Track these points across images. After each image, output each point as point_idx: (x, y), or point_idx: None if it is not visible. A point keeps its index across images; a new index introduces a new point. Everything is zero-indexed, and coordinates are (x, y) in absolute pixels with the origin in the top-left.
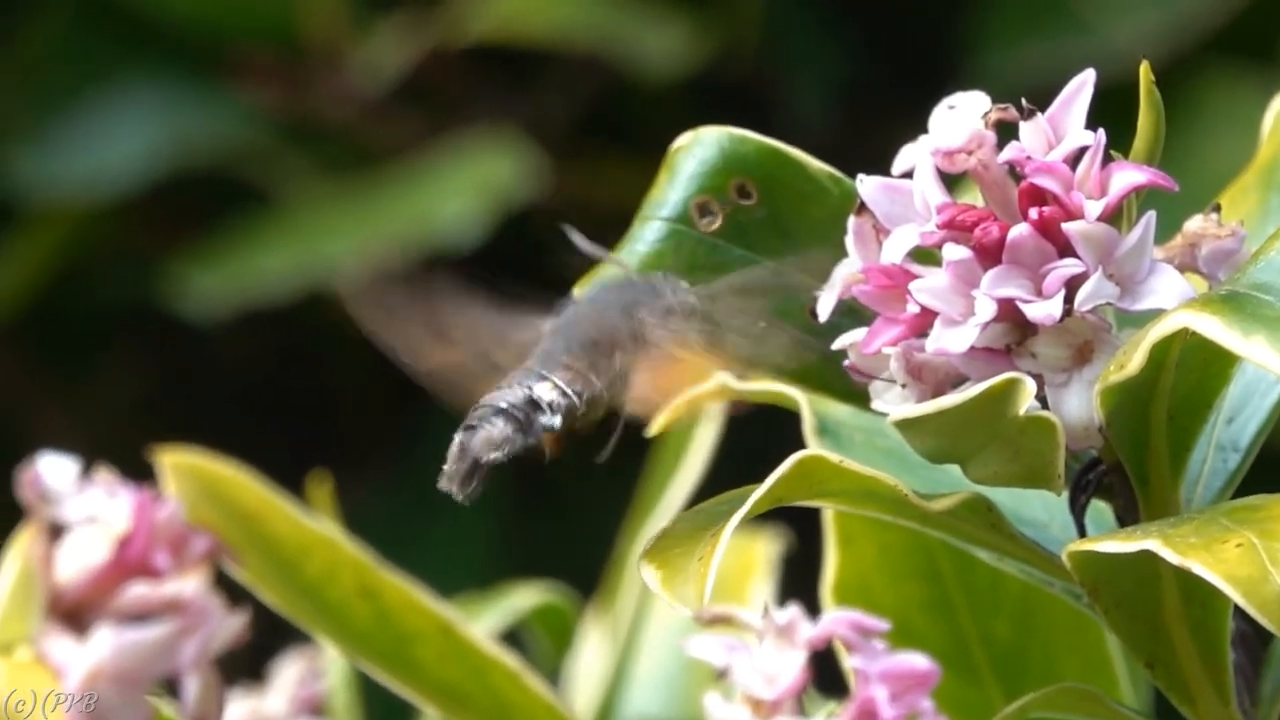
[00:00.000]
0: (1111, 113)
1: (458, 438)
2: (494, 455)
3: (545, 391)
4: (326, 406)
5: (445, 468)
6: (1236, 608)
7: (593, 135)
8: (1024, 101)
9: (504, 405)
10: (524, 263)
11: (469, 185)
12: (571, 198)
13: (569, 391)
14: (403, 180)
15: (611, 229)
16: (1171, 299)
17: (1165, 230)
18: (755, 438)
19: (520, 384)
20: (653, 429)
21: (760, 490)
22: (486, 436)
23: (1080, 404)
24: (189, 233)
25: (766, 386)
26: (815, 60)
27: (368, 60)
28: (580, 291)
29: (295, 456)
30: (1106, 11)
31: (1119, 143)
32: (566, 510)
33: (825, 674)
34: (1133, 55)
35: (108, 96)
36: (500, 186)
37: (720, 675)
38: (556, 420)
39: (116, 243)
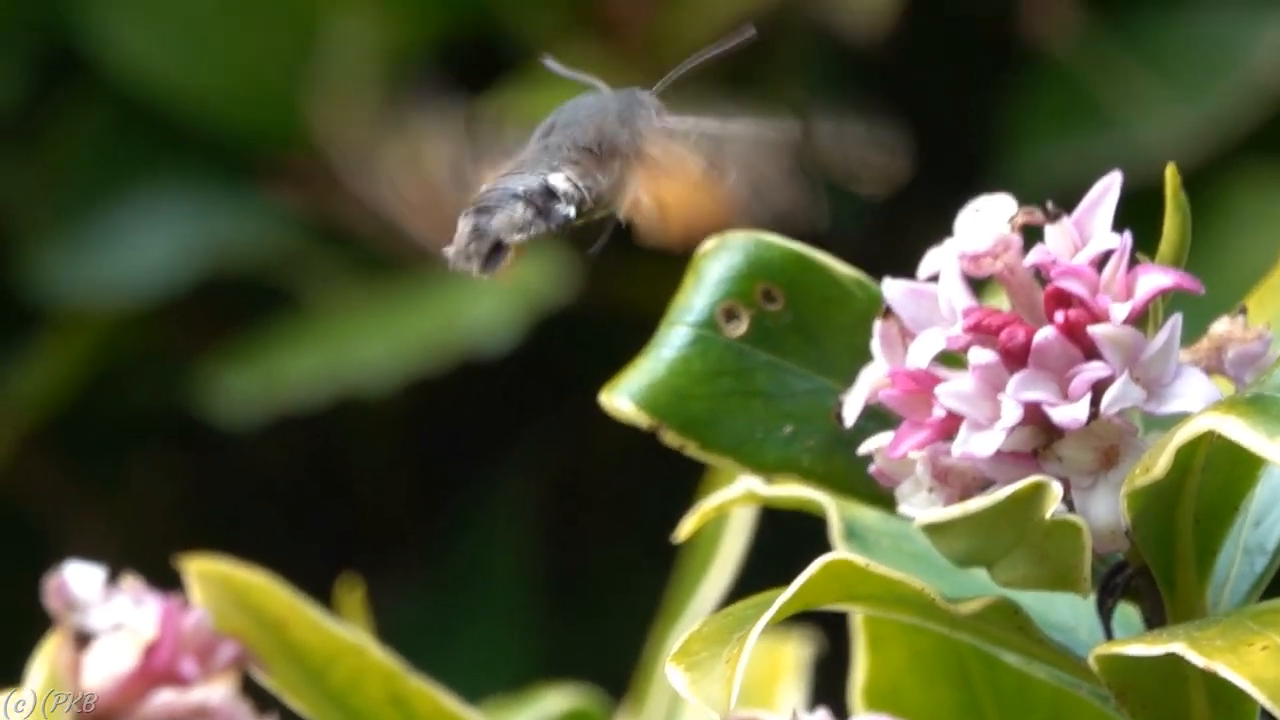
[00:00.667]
0: (1143, 214)
1: (470, 220)
2: (517, 237)
3: (560, 181)
4: (357, 510)
5: (457, 247)
6: (1264, 710)
7: (627, 240)
8: (1050, 204)
9: (521, 190)
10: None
11: (501, 290)
12: (604, 300)
13: (579, 185)
14: (433, 284)
15: (645, 332)
16: (1197, 402)
17: (1193, 331)
18: (786, 542)
19: (531, 173)
20: (681, 534)
21: (788, 593)
22: (508, 219)
23: (1107, 507)
24: (219, 336)
25: (794, 492)
26: None
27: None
28: (564, 104)
29: (327, 560)
30: (1138, 112)
31: (1151, 243)
32: (596, 613)
33: None
34: (1165, 156)
35: (138, 199)
36: (532, 290)
37: None
38: (571, 210)
39: (148, 346)
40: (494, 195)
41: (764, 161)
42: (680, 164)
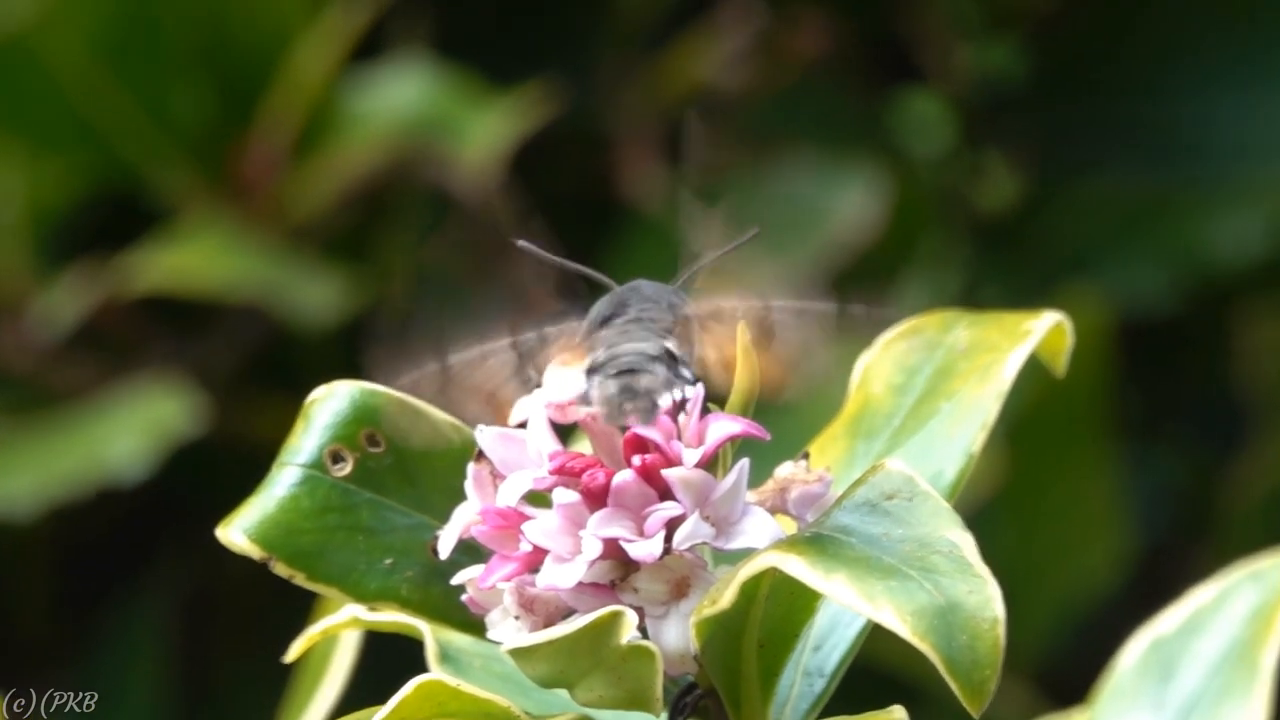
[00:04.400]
0: None
1: (616, 382)
2: (666, 396)
3: (674, 347)
4: (5, 629)
5: (616, 407)
6: None
7: (255, 379)
8: None
9: (653, 353)
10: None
11: (138, 425)
12: (234, 435)
13: (685, 352)
14: (77, 421)
15: (271, 464)
16: (762, 539)
17: (762, 474)
18: (395, 662)
19: (645, 342)
20: (290, 655)
21: (384, 711)
22: (655, 379)
23: (678, 634)
24: None
25: (392, 618)
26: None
27: (47, 309)
28: (622, 287)
29: None
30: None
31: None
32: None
33: None
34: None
35: None
36: (167, 426)
37: None
38: (689, 374)
39: None
40: (626, 360)
41: (805, 329)
42: (731, 335)
